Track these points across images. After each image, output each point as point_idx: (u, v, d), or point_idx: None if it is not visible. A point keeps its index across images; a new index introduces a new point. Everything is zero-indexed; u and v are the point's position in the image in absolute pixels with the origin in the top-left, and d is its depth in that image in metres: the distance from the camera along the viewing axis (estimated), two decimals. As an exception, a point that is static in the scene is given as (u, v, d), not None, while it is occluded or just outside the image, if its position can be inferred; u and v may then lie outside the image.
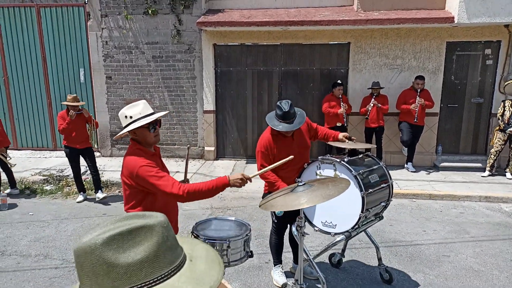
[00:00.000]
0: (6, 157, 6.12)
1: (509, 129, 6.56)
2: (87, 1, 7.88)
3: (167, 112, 2.69)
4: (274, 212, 3.45)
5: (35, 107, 8.63)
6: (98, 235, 0.80)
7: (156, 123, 2.36)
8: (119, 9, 7.79)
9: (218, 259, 0.96)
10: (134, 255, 0.79)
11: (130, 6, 7.74)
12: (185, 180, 2.70)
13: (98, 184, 6.03)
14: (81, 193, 6.09)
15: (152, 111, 2.35)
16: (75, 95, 5.81)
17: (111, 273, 0.77)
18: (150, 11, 7.66)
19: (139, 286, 0.79)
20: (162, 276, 0.81)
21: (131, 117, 2.28)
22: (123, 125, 2.35)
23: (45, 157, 8.39)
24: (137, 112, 2.29)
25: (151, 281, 0.80)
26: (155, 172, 2.20)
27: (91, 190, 6.27)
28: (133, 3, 7.73)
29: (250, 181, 2.30)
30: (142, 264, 0.79)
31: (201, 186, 2.19)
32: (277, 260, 3.71)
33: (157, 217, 0.86)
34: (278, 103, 3.19)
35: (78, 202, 5.98)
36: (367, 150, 3.62)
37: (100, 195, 5.97)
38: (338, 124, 7.03)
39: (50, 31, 8.21)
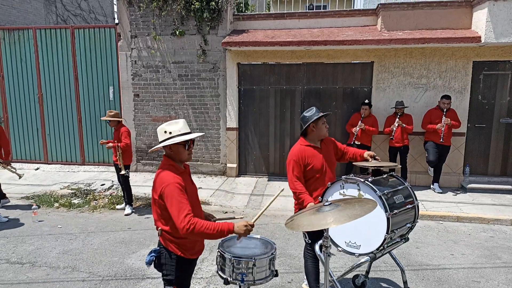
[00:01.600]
0: (8, 168, 6.28)
1: None
2: (118, 23, 8.27)
3: (203, 133, 2.80)
4: (305, 234, 3.42)
5: (65, 123, 9.01)
6: None
7: (190, 141, 2.47)
8: (148, 30, 8.13)
9: None
10: None
11: (159, 27, 8.07)
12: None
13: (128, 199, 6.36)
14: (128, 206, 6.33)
15: (189, 130, 2.47)
16: (115, 111, 6.21)
17: None
18: (177, 32, 7.95)
19: None
20: None
21: (170, 133, 2.39)
22: (160, 140, 2.45)
23: (73, 171, 8.68)
24: (176, 129, 2.40)
25: None
26: (179, 194, 2.24)
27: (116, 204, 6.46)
28: (161, 24, 8.05)
29: (253, 227, 2.34)
30: None
31: (205, 229, 2.19)
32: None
33: None
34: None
35: (126, 215, 6.24)
36: (391, 170, 3.59)
37: (128, 210, 6.27)
38: (357, 143, 7.00)
39: (83, 51, 8.64)
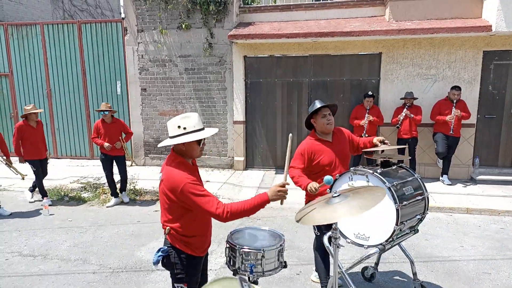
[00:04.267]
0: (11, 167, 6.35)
1: None
2: (125, 17, 8.27)
3: (217, 130, 2.60)
4: (315, 226, 3.40)
5: (74, 117, 9.09)
6: None
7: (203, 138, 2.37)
8: (155, 24, 8.12)
9: None
10: None
11: (165, 21, 8.06)
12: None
13: (124, 186, 6.56)
14: (114, 197, 6.43)
15: (203, 126, 2.36)
16: (107, 103, 6.30)
17: None
18: (183, 26, 7.93)
19: None
20: None
21: (184, 128, 2.27)
22: (172, 134, 2.31)
23: (83, 166, 8.77)
24: (191, 124, 2.28)
25: None
26: (199, 190, 2.20)
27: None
28: (168, 18, 8.04)
29: (285, 186, 2.28)
30: None
31: (242, 206, 2.19)
32: (326, 282, 3.42)
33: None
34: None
35: (108, 207, 6.31)
36: (400, 161, 3.55)
37: (125, 198, 6.51)
38: (363, 135, 6.96)
39: (90, 46, 8.67)
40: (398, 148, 3.44)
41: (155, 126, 8.54)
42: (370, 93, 7.15)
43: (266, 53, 7.86)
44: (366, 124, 6.98)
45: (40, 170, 6.30)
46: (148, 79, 8.38)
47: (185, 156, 2.36)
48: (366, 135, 6.97)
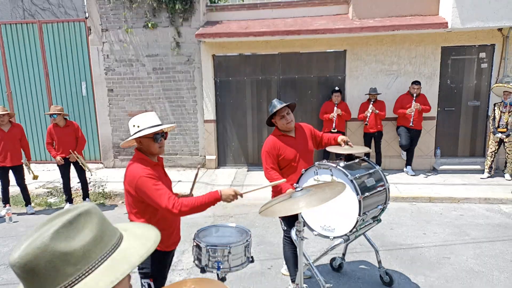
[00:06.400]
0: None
1: (497, 135, 6.66)
2: (88, 16, 8.06)
3: (174, 125, 2.73)
4: (282, 221, 3.50)
5: (38, 121, 8.77)
6: (41, 235, 0.83)
7: (162, 134, 2.43)
8: (119, 23, 7.96)
9: (146, 225, 1.09)
10: (84, 238, 0.86)
11: (130, 20, 7.92)
12: (190, 194, 2.76)
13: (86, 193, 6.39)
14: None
15: (160, 122, 2.43)
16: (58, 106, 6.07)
17: (70, 259, 0.83)
18: (149, 25, 7.82)
19: (101, 259, 0.87)
20: (114, 244, 0.92)
21: (138, 126, 2.36)
22: (131, 134, 2.42)
23: (49, 170, 8.49)
24: (145, 121, 2.37)
25: (108, 251, 0.89)
26: (153, 183, 2.26)
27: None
28: (133, 17, 7.90)
29: (241, 196, 2.39)
30: (94, 242, 0.87)
31: (194, 202, 2.26)
32: (295, 274, 3.46)
33: (88, 204, 0.93)
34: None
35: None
36: (366, 154, 3.69)
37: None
38: (333, 130, 7.14)
39: (52, 46, 8.39)
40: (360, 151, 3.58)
41: (124, 127, 8.39)
42: (337, 88, 7.36)
43: (234, 51, 7.89)
44: (335, 117, 7.16)
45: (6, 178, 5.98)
46: (114, 80, 8.21)
47: (146, 153, 2.43)
48: (335, 130, 7.15)
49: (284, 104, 3.34)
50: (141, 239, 0.99)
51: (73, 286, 0.83)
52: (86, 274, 0.85)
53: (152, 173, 2.31)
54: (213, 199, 2.30)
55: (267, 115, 3.44)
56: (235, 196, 2.35)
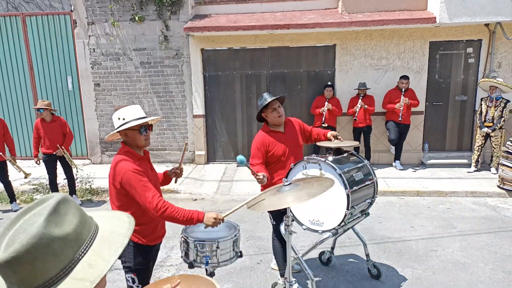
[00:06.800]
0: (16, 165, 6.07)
1: (484, 129, 6.75)
2: (73, 9, 7.88)
3: (159, 117, 2.74)
4: (271, 216, 3.48)
5: (23, 116, 8.58)
6: (32, 225, 0.83)
7: (148, 127, 2.43)
8: (106, 16, 7.81)
9: (109, 211, 1.14)
10: (72, 222, 0.89)
11: (117, 13, 7.77)
12: (179, 168, 2.78)
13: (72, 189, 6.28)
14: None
15: (144, 115, 2.42)
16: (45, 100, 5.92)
17: (67, 242, 0.86)
18: (137, 18, 7.69)
19: (91, 238, 0.92)
20: (95, 225, 0.96)
21: (124, 119, 2.34)
22: (116, 126, 2.40)
23: (34, 166, 8.31)
24: (129, 114, 2.36)
25: (93, 232, 0.94)
26: (139, 179, 2.25)
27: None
28: (120, 10, 7.75)
29: (223, 221, 2.39)
30: (82, 224, 0.91)
31: (177, 212, 2.24)
32: (284, 268, 3.44)
33: (58, 193, 0.95)
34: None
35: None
36: (356, 149, 3.70)
37: (76, 200, 6.16)
38: (324, 124, 7.15)
39: (37, 40, 8.19)
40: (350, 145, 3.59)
41: (111, 122, 8.26)
42: (329, 83, 7.37)
43: (224, 45, 7.82)
44: (325, 111, 7.16)
45: None
46: (101, 74, 8.07)
47: (132, 146, 2.42)
48: (325, 124, 7.16)
49: (276, 97, 3.33)
50: (112, 219, 1.03)
51: (76, 264, 0.87)
52: (85, 251, 0.89)
53: (139, 168, 2.30)
54: (196, 219, 2.29)
55: (257, 109, 3.41)
56: (217, 221, 2.33)
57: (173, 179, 2.83)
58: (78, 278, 0.85)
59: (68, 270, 0.86)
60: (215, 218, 2.31)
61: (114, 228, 0.99)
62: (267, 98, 3.32)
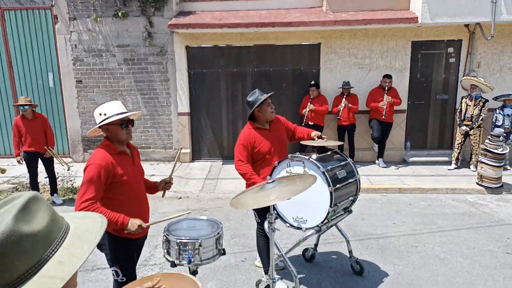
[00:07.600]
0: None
1: (462, 127, 6.93)
2: (54, 4, 7.70)
3: (139, 112, 2.79)
4: (255, 213, 3.50)
5: (1, 113, 8.35)
6: (1, 222, 0.82)
7: (129, 122, 2.46)
8: (88, 11, 7.66)
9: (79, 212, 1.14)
10: (42, 219, 0.88)
11: (99, 9, 7.63)
12: (170, 178, 2.83)
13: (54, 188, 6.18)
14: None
15: (126, 110, 2.46)
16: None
17: (37, 240, 0.85)
18: (120, 14, 7.57)
19: (62, 237, 0.91)
20: (66, 224, 0.95)
21: (105, 114, 2.38)
22: (97, 122, 2.43)
23: (14, 165, 8.11)
24: (110, 109, 2.40)
25: (64, 230, 0.93)
26: (91, 176, 2.26)
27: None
28: (102, 5, 7.62)
29: (148, 228, 2.43)
30: (52, 223, 0.90)
31: (102, 213, 2.23)
32: (268, 265, 3.42)
33: (29, 191, 0.94)
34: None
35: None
36: (340, 147, 3.74)
37: (57, 200, 6.15)
38: (310, 123, 7.20)
39: (16, 35, 7.97)
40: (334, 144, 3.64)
41: (94, 120, 8.11)
42: (312, 82, 7.41)
43: (209, 43, 7.77)
44: (307, 112, 7.21)
45: None
46: (83, 70, 7.92)
47: (113, 141, 2.46)
48: (310, 123, 7.19)
49: (270, 94, 3.43)
50: (84, 219, 1.02)
51: (46, 262, 0.85)
52: (56, 249, 0.88)
53: (110, 166, 2.31)
54: (120, 221, 2.28)
55: (248, 106, 3.42)
56: (141, 227, 2.33)
57: (161, 192, 2.82)
58: (48, 276, 0.84)
59: (38, 268, 0.84)
60: (139, 225, 2.32)
61: (86, 226, 0.99)
62: (262, 93, 3.37)
